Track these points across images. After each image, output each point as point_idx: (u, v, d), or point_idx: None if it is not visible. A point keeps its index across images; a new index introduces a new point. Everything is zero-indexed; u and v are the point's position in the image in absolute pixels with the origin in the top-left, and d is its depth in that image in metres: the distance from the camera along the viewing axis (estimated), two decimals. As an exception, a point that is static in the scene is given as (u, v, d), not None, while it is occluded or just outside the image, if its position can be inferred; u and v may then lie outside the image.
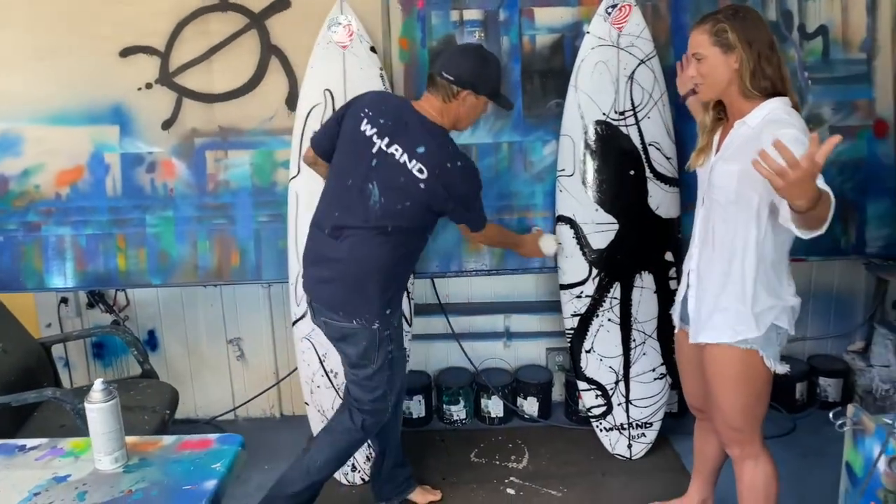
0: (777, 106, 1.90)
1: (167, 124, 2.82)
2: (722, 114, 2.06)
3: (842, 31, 2.87)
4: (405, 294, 2.41)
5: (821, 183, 1.66)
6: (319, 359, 2.82)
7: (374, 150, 2.18)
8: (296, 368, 2.99)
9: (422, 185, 2.15)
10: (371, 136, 2.19)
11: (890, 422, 1.89)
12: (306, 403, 2.89)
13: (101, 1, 2.76)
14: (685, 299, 2.16)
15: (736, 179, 1.92)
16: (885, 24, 2.87)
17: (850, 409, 2.02)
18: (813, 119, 2.83)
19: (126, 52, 2.78)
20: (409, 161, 2.15)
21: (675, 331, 2.30)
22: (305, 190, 2.75)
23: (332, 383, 2.83)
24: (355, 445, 2.46)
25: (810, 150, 1.50)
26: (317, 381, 2.84)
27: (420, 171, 2.14)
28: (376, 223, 2.19)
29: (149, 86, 2.80)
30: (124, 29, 2.77)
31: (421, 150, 2.15)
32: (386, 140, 2.17)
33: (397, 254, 2.24)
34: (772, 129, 1.80)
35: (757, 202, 1.90)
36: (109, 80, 2.79)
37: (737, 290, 1.98)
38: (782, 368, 2.03)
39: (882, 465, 1.88)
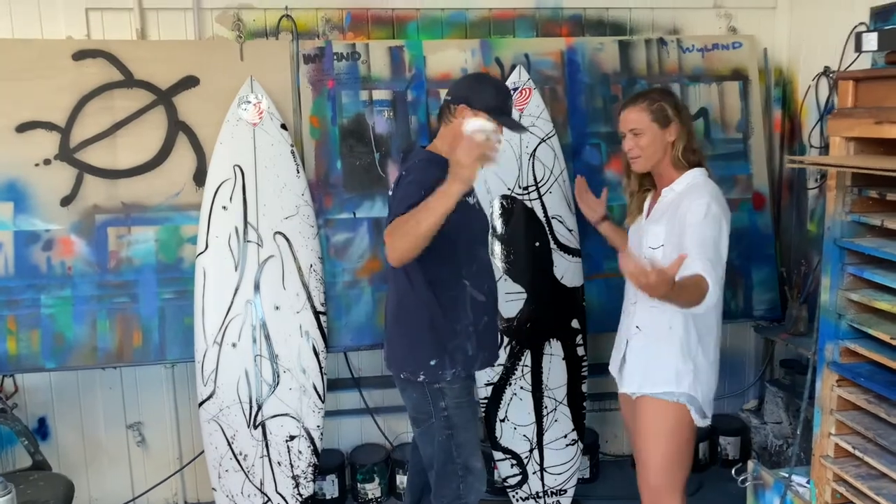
0: (697, 175, 2.13)
1: (66, 201, 2.73)
2: (646, 183, 2.25)
3: (720, 114, 3.15)
4: (438, 348, 2.12)
5: (697, 268, 1.85)
6: (228, 441, 2.72)
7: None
8: (202, 452, 2.86)
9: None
10: None
11: (786, 475, 2.01)
12: (214, 489, 2.76)
13: (-3, 76, 2.69)
14: (624, 356, 2.23)
15: (663, 238, 2.09)
16: (757, 108, 3.17)
17: (750, 465, 2.13)
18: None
19: (23, 128, 2.70)
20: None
21: (619, 391, 2.30)
22: (213, 266, 2.71)
23: (241, 466, 2.73)
24: None
25: (667, 267, 1.71)
26: (225, 464, 2.73)
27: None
28: None
29: (47, 162, 2.72)
30: (22, 104, 2.70)
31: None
32: None
33: (419, 283, 2.09)
34: (693, 194, 2.06)
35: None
36: (3, 156, 2.68)
37: (673, 344, 2.10)
38: (704, 422, 2.15)
39: (782, 517, 1.99)
